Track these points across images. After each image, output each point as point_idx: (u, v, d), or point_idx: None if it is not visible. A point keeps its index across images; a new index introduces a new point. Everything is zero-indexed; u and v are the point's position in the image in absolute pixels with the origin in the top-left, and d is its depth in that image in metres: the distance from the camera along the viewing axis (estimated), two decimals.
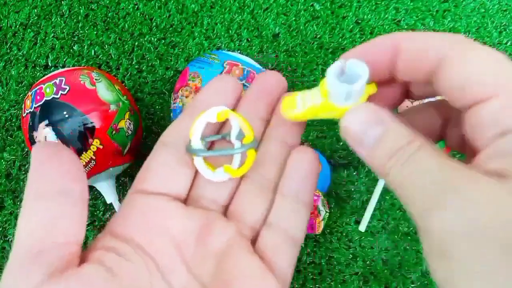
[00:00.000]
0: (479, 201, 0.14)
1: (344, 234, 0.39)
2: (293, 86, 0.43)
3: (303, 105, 0.19)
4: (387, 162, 0.16)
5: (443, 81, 0.16)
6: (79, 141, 0.33)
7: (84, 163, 0.34)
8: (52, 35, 0.46)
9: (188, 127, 0.20)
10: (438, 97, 0.21)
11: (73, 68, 0.37)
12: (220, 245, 0.19)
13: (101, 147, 0.34)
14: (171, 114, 0.38)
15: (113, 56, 0.45)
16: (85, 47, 0.45)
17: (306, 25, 0.46)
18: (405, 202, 0.16)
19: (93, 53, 0.45)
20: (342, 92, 0.17)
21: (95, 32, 0.46)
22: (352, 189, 0.40)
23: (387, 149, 0.16)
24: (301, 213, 0.21)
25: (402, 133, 0.16)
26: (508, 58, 0.16)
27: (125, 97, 0.37)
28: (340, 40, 0.45)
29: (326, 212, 0.37)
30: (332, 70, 0.17)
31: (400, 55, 0.17)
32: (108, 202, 0.37)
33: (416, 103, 0.34)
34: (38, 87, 0.34)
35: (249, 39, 0.45)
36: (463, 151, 0.20)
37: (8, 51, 0.45)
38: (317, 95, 0.19)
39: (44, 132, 0.33)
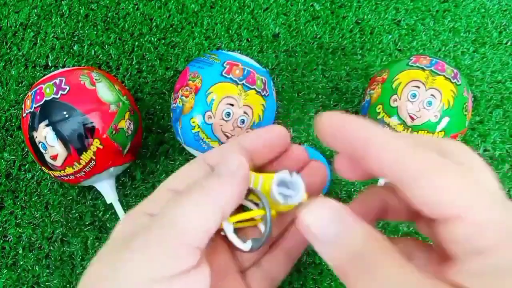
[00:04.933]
0: None
1: None
2: (293, 86, 0.43)
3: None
4: (346, 265, 0.16)
5: (415, 198, 0.16)
6: (79, 141, 0.33)
7: (84, 163, 0.34)
8: (52, 35, 0.46)
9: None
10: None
11: (73, 68, 0.37)
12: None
13: (101, 147, 0.34)
14: (171, 114, 0.38)
15: (113, 56, 0.45)
16: (85, 47, 0.45)
17: (306, 25, 0.46)
18: None
19: (93, 53, 0.45)
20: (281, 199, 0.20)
21: (95, 32, 0.46)
22: (352, 189, 0.40)
23: (345, 250, 0.16)
24: (287, 264, 0.25)
25: (360, 234, 0.16)
26: (482, 172, 0.17)
27: (125, 97, 0.37)
28: (340, 40, 0.45)
29: None
30: (276, 179, 0.20)
31: (372, 158, 0.17)
32: (108, 202, 0.37)
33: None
34: (38, 87, 0.34)
35: (249, 39, 0.45)
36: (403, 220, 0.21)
37: (8, 51, 0.45)
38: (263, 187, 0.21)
39: (44, 132, 0.33)
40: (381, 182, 0.39)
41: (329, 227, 0.17)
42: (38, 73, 0.44)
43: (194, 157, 0.39)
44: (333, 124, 0.18)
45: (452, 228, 0.16)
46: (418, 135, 0.19)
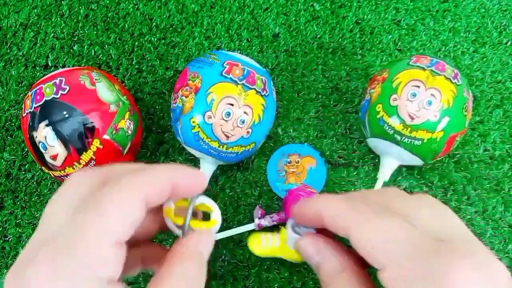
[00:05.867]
0: None
1: None
2: (293, 86, 0.43)
3: (266, 244, 0.28)
4: (325, 280, 0.24)
5: (352, 245, 0.22)
6: (79, 141, 0.33)
7: (84, 163, 0.34)
8: (52, 35, 0.46)
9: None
10: None
11: (73, 68, 0.37)
12: None
13: (101, 147, 0.34)
14: (171, 114, 0.38)
15: (113, 56, 0.45)
16: (85, 47, 0.45)
17: (306, 25, 0.46)
18: None
19: (93, 53, 0.45)
20: (294, 240, 0.25)
21: (95, 32, 0.46)
22: (352, 189, 0.40)
23: (325, 275, 0.24)
24: None
25: (335, 263, 0.24)
26: (401, 223, 0.21)
27: (125, 97, 0.37)
28: (340, 40, 0.45)
29: None
30: (290, 224, 0.26)
31: (323, 221, 0.24)
32: None
33: None
34: (38, 87, 0.34)
35: (249, 39, 0.45)
36: None
37: (8, 51, 0.45)
38: (278, 239, 0.28)
39: (44, 132, 0.33)
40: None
41: (315, 255, 0.24)
42: (38, 73, 0.44)
43: (194, 157, 0.39)
44: (299, 211, 0.25)
45: (380, 274, 0.21)
46: (370, 190, 0.26)
